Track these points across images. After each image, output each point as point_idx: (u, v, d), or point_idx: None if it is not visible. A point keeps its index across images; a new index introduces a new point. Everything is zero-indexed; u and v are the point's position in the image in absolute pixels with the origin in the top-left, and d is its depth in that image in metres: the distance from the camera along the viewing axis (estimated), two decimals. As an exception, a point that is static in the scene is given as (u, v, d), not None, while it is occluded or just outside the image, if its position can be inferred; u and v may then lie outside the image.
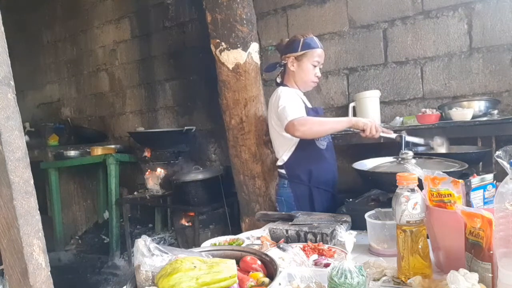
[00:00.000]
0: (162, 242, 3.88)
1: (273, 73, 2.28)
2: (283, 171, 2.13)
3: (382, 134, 1.87)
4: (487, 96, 2.45)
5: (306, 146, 2.03)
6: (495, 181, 1.08)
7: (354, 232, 0.93)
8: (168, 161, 3.77)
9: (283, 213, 1.61)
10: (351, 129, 1.96)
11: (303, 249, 1.23)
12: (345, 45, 3.02)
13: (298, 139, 2.01)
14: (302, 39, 2.07)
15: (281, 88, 2.08)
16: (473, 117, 2.28)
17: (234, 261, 0.97)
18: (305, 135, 1.90)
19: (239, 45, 2.43)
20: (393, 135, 1.87)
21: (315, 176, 2.06)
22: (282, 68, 2.16)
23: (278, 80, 2.20)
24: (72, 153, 4.47)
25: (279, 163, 2.13)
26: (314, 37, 2.10)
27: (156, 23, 4.22)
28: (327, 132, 1.98)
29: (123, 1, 4.54)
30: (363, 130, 1.85)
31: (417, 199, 1.01)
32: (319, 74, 2.11)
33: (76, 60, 5.21)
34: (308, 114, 2.03)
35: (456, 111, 2.33)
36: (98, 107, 5.04)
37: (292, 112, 1.88)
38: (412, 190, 1.03)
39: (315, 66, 2.08)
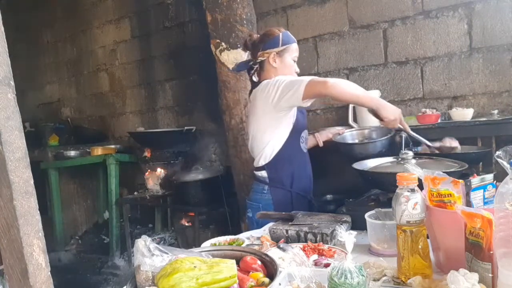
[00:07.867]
0: (162, 242, 3.87)
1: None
2: (263, 173, 1.93)
3: (400, 126, 1.72)
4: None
5: (291, 146, 1.89)
6: (495, 181, 1.08)
7: (354, 232, 0.93)
8: (168, 161, 3.77)
9: (283, 213, 1.60)
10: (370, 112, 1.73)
11: (303, 249, 1.23)
12: (345, 45, 3.01)
13: (287, 135, 1.85)
14: (281, 34, 1.90)
15: (269, 79, 1.85)
16: (473, 117, 2.29)
17: (234, 261, 0.97)
18: (337, 89, 1.63)
19: (239, 45, 2.43)
20: (411, 132, 1.75)
21: (296, 180, 1.92)
22: (257, 66, 1.94)
23: (255, 78, 1.96)
24: (72, 153, 4.47)
25: (260, 163, 1.92)
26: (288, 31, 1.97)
27: (156, 23, 4.22)
28: (353, 96, 1.70)
29: (123, 1, 4.55)
30: (383, 120, 1.69)
31: (417, 199, 1.01)
32: (298, 70, 1.97)
33: (76, 60, 5.21)
34: (296, 113, 1.91)
35: (456, 111, 2.33)
36: (98, 107, 5.04)
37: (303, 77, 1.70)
38: (412, 190, 1.03)
39: (294, 62, 1.94)
